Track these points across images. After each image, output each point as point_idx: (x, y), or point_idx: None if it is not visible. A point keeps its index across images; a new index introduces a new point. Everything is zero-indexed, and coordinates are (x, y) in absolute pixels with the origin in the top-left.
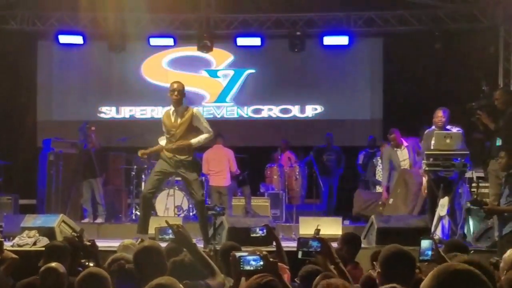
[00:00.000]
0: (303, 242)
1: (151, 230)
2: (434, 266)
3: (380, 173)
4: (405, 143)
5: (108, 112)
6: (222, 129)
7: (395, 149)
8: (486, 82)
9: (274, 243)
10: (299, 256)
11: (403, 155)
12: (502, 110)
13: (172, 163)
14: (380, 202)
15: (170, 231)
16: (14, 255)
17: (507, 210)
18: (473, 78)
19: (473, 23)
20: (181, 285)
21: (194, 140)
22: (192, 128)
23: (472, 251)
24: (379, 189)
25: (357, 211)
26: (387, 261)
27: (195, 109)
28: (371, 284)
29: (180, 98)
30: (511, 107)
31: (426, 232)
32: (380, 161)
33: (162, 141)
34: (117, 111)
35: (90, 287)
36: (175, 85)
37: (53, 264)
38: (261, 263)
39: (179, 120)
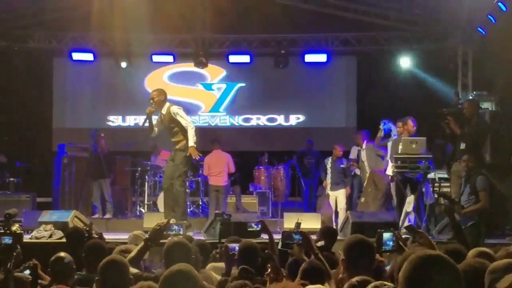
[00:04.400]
0: (286, 235)
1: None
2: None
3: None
4: (364, 145)
5: (115, 120)
6: (216, 135)
7: (358, 148)
8: (457, 92)
9: (267, 236)
10: (279, 247)
11: (363, 155)
12: (469, 118)
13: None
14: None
15: (174, 228)
16: None
17: (468, 211)
18: (436, 90)
19: (435, 43)
20: (197, 273)
21: (190, 142)
22: (174, 120)
23: (436, 243)
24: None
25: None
26: (349, 249)
27: (173, 105)
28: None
29: (158, 104)
30: (476, 116)
31: (394, 226)
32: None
33: None
34: (123, 120)
35: (111, 273)
36: (151, 95)
37: (62, 254)
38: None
39: (162, 116)
